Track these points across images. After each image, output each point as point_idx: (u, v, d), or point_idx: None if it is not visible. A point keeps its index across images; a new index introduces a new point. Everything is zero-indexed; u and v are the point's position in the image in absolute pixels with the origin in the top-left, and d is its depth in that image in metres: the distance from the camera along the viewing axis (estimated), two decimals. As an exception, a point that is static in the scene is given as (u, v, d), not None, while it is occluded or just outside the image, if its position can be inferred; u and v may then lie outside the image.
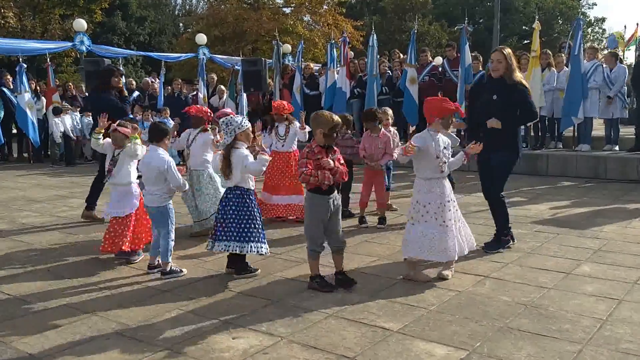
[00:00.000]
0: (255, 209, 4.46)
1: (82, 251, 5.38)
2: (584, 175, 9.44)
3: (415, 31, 12.28)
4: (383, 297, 4.01)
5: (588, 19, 44.68)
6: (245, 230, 4.37)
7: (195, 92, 13.89)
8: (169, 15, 43.66)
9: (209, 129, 5.96)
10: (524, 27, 41.61)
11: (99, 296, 4.15)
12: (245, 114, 13.35)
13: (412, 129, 12.01)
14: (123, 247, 4.92)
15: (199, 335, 3.43)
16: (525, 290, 4.12)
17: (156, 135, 4.71)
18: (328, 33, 19.88)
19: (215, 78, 15.23)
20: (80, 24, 15.36)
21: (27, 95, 12.73)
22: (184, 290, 4.25)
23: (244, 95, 13.48)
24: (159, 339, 3.38)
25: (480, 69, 11.10)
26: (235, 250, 4.40)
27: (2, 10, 23.75)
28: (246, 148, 4.43)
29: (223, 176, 4.47)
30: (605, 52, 12.82)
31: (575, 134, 10.54)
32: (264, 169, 4.47)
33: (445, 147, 4.40)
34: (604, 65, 10.03)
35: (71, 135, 12.90)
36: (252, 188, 4.51)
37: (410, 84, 11.31)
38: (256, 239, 4.41)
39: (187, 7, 46.24)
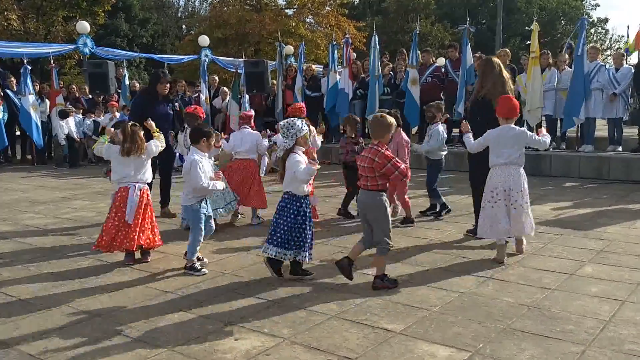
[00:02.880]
0: (302, 216, 4.37)
1: (85, 253, 5.39)
2: (587, 176, 9.42)
3: (418, 32, 12.27)
4: (385, 298, 4.01)
5: (590, 20, 44.56)
6: (288, 237, 4.34)
7: (197, 94, 13.91)
8: (171, 17, 43.78)
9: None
10: (526, 28, 41.48)
11: (102, 298, 4.16)
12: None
13: (413, 130, 11.99)
14: (130, 247, 4.93)
15: (202, 336, 3.44)
16: (529, 291, 4.11)
17: (195, 137, 4.76)
18: (330, 34, 19.86)
19: (217, 80, 15.25)
20: (83, 26, 15.43)
21: (32, 97, 12.77)
22: (187, 292, 4.25)
23: (247, 96, 13.49)
24: (162, 340, 3.38)
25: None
26: (277, 257, 4.37)
27: (6, 13, 23.84)
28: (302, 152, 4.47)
29: (279, 178, 4.53)
30: (608, 52, 12.80)
31: (579, 134, 10.52)
32: (310, 179, 4.44)
33: None
34: (611, 65, 10.01)
35: (75, 137, 12.93)
36: (304, 194, 4.40)
37: (412, 85, 11.30)
38: (298, 246, 4.36)
39: (190, 9, 46.35)
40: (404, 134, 6.52)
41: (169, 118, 6.78)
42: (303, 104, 6.98)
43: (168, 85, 6.79)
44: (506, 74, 5.35)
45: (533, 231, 5.02)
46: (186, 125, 6.23)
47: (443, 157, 6.69)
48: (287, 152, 4.44)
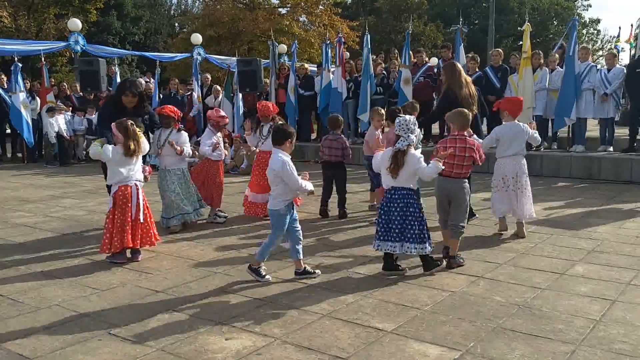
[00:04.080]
0: (419, 209, 4.39)
1: (74, 252, 5.36)
2: (578, 176, 9.47)
3: (410, 32, 12.29)
4: (377, 298, 4.01)
5: (583, 20, 44.81)
6: (406, 230, 4.34)
7: (190, 92, 13.87)
8: (164, 15, 43.52)
9: (180, 128, 6.11)
10: (519, 28, 41.55)
11: (91, 297, 4.13)
12: (241, 114, 13.33)
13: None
14: (126, 244, 4.96)
15: (192, 336, 3.42)
16: (519, 291, 4.12)
17: (278, 138, 4.46)
18: (324, 33, 19.84)
19: (210, 78, 15.20)
20: (75, 23, 15.30)
21: (22, 95, 12.66)
22: (177, 291, 4.23)
23: (240, 95, 13.45)
24: (152, 340, 3.36)
25: (477, 69, 11.12)
26: (420, 252, 4.38)
27: (-3, 10, 23.64)
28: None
29: (390, 174, 4.37)
30: (600, 53, 12.91)
31: (570, 134, 10.57)
32: (436, 175, 4.43)
33: None
34: (603, 66, 10.06)
35: (65, 135, 12.84)
36: (417, 188, 4.51)
37: (405, 84, 11.32)
38: (417, 239, 4.34)
39: (183, 7, 46.14)
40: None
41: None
42: (270, 104, 6.93)
43: (135, 99, 5.79)
44: (467, 78, 6.21)
45: (534, 214, 5.75)
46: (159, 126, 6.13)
47: None
48: (405, 149, 4.33)
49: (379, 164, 4.57)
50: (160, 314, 3.77)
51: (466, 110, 4.98)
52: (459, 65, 6.30)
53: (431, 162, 4.34)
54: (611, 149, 10.03)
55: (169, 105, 6.30)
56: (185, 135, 6.19)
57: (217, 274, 4.62)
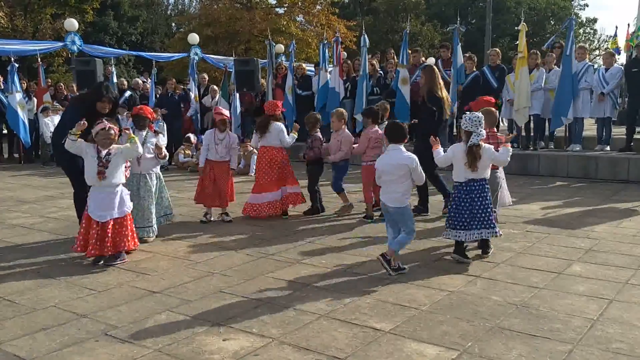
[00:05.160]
0: (489, 197, 4.81)
1: (71, 252, 5.33)
2: (575, 175, 9.49)
3: (408, 32, 12.29)
4: (374, 298, 4.01)
5: (580, 20, 44.88)
6: (490, 216, 4.75)
7: (186, 92, 13.83)
8: (161, 15, 43.45)
9: (155, 130, 5.83)
10: (516, 28, 41.60)
11: (88, 297, 4.12)
12: (238, 114, 13.31)
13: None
14: (128, 246, 4.96)
15: (189, 336, 3.41)
16: (517, 290, 4.12)
17: (399, 136, 4.70)
18: (321, 33, 19.83)
19: (207, 78, 15.18)
20: (72, 23, 15.27)
21: (19, 95, 12.63)
22: (174, 292, 4.22)
23: (237, 95, 13.44)
24: (149, 341, 3.35)
25: (474, 69, 11.13)
26: (491, 236, 4.83)
27: (-7, 10, 23.58)
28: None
29: (470, 168, 4.66)
30: (597, 52, 12.94)
31: (567, 134, 10.59)
32: (509, 159, 4.87)
33: None
34: (601, 65, 10.07)
35: (62, 135, 12.80)
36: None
37: (403, 84, 11.32)
38: (491, 224, 4.75)
39: (180, 6, 46.09)
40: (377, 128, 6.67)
41: None
42: (279, 102, 7.11)
43: (110, 105, 5.51)
44: (442, 81, 6.76)
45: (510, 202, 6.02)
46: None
47: None
48: (479, 144, 4.65)
49: (446, 161, 4.92)
50: (157, 314, 3.76)
51: (493, 108, 5.49)
52: (437, 69, 6.90)
53: (500, 148, 4.86)
54: (608, 148, 10.04)
55: (146, 106, 6.02)
56: (160, 136, 5.86)
57: (214, 275, 4.61)
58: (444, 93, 6.66)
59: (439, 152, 4.98)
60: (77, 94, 13.91)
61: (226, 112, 6.87)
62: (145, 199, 5.67)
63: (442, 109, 6.54)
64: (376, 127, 6.62)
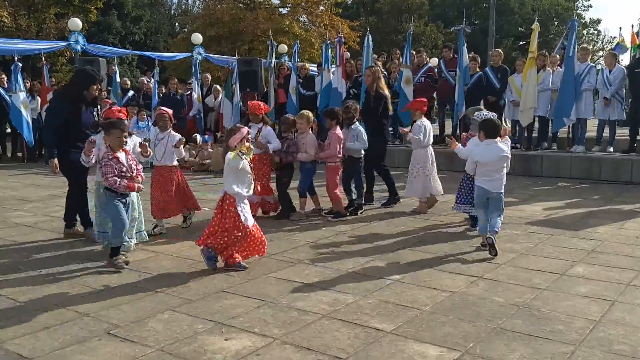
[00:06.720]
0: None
1: (74, 252, 5.35)
2: (578, 176, 9.47)
3: (412, 32, 12.28)
4: (376, 298, 4.01)
5: (583, 21, 44.80)
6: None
7: (189, 92, 13.86)
8: (164, 15, 43.55)
9: (134, 133, 5.68)
10: (519, 29, 41.68)
11: (90, 296, 4.13)
12: (240, 113, 13.32)
13: (404, 130, 12.01)
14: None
15: (191, 336, 3.42)
16: (519, 291, 4.12)
17: (496, 132, 5.19)
18: (324, 33, 19.83)
19: (210, 78, 15.20)
20: (75, 23, 15.30)
21: (22, 95, 12.66)
22: (177, 291, 4.22)
23: (239, 94, 13.44)
24: (151, 340, 3.36)
25: (478, 70, 11.12)
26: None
27: (-3, 10, 23.62)
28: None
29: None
30: (601, 53, 12.90)
31: (570, 135, 10.57)
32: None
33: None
34: (603, 67, 10.05)
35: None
36: None
37: (406, 84, 11.32)
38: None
39: (183, 6, 46.17)
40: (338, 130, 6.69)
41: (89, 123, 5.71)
42: (261, 103, 6.84)
43: (99, 85, 5.61)
44: (384, 82, 7.57)
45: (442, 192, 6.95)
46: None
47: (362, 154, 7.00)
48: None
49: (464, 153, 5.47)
50: (160, 314, 3.77)
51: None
52: (380, 69, 7.84)
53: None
54: (612, 149, 10.02)
55: (117, 107, 5.55)
56: (134, 136, 5.49)
57: (216, 274, 4.61)
58: (387, 91, 7.43)
59: (459, 148, 5.53)
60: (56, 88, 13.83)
61: (168, 110, 6.20)
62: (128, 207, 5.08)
63: (386, 104, 7.27)
64: (338, 128, 6.64)
